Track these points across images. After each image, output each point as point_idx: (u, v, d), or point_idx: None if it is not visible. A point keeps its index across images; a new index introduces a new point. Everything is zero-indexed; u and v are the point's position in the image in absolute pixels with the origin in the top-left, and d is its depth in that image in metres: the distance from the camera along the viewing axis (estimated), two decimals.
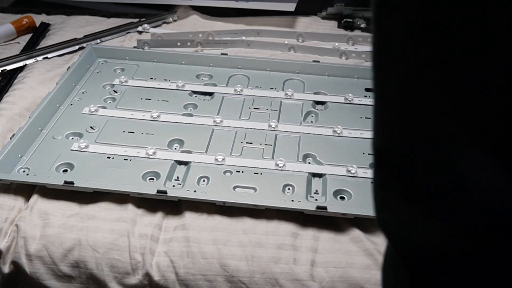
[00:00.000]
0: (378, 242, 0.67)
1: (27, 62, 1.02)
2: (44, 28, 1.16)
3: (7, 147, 0.76)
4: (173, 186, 0.74)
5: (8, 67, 1.00)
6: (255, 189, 0.73)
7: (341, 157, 0.79)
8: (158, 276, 0.65)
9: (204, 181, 0.75)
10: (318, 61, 1.01)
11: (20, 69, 1.01)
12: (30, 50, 1.06)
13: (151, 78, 0.97)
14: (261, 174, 0.76)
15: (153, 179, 0.75)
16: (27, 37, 1.13)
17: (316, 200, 0.72)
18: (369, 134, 0.85)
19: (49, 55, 1.04)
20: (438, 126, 0.27)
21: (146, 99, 0.92)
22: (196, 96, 0.93)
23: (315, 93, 0.95)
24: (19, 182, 0.74)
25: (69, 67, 0.96)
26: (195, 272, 0.64)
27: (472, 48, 0.25)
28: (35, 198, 0.72)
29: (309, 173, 0.76)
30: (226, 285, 0.64)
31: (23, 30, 1.15)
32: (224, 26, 1.18)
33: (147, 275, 0.65)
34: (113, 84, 0.95)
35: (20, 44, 1.11)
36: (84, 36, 1.10)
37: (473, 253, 0.28)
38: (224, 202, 0.70)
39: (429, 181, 0.28)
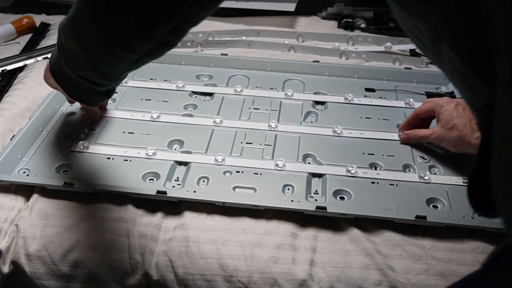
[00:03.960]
0: (377, 242, 0.67)
1: (27, 62, 1.02)
2: (44, 28, 1.16)
3: (7, 148, 0.76)
4: (173, 186, 0.74)
5: (8, 67, 1.00)
6: (255, 189, 0.73)
7: (340, 157, 0.79)
8: (157, 276, 0.65)
9: (204, 181, 0.75)
10: (318, 61, 1.01)
11: (20, 69, 1.02)
12: (30, 50, 1.06)
13: (151, 79, 0.98)
14: (261, 174, 0.76)
15: (153, 179, 0.75)
16: (27, 37, 1.13)
17: (316, 200, 0.72)
18: (368, 133, 0.85)
19: (49, 55, 1.04)
20: None
21: (146, 99, 0.92)
22: (196, 97, 0.93)
23: (315, 93, 0.95)
24: (19, 183, 0.74)
25: None
26: (194, 272, 0.64)
27: None
28: (35, 198, 0.72)
29: (309, 173, 0.76)
30: (225, 285, 0.64)
31: (23, 30, 1.15)
32: (224, 26, 1.18)
33: (146, 275, 0.65)
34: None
35: (20, 44, 1.12)
36: None
37: None
38: (224, 203, 0.70)
39: None
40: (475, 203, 0.40)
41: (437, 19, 0.36)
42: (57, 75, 0.70)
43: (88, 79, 0.65)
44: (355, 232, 0.68)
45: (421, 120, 0.81)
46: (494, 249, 0.37)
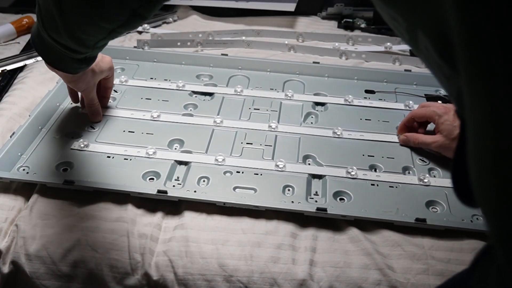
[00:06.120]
0: (377, 242, 0.67)
1: (27, 62, 1.02)
2: None
3: (7, 146, 0.76)
4: (173, 186, 0.74)
5: (8, 67, 1.00)
6: (255, 189, 0.73)
7: (341, 159, 0.79)
8: (157, 275, 0.65)
9: (204, 181, 0.75)
10: (318, 62, 1.01)
11: (20, 69, 1.01)
12: (30, 50, 1.06)
13: (151, 78, 0.98)
14: (261, 175, 0.76)
15: (153, 178, 0.75)
16: (27, 37, 1.13)
17: (316, 201, 0.72)
18: (368, 135, 0.86)
19: None
20: None
21: (146, 99, 0.92)
22: (196, 96, 0.93)
23: (315, 94, 0.95)
24: (19, 181, 0.74)
25: None
26: (193, 271, 0.64)
27: None
28: (35, 198, 0.72)
29: (309, 174, 0.76)
30: (225, 285, 0.64)
31: (23, 30, 1.15)
32: (224, 26, 1.18)
33: (146, 275, 0.65)
34: (113, 84, 0.95)
35: (20, 44, 1.11)
36: None
37: None
38: (224, 203, 0.70)
39: None
40: (459, 192, 0.39)
41: (408, 7, 0.36)
42: (36, 43, 0.70)
43: (65, 45, 0.65)
44: (354, 232, 0.68)
45: (417, 123, 0.82)
46: (479, 249, 0.36)
